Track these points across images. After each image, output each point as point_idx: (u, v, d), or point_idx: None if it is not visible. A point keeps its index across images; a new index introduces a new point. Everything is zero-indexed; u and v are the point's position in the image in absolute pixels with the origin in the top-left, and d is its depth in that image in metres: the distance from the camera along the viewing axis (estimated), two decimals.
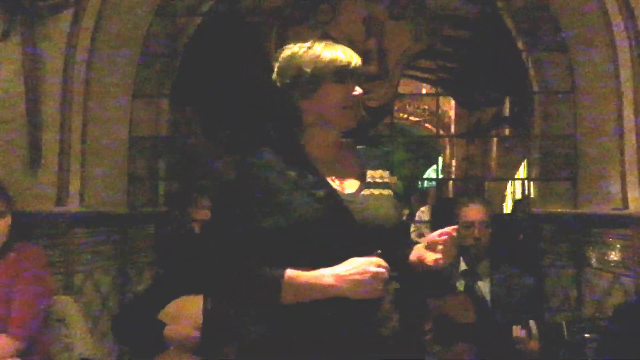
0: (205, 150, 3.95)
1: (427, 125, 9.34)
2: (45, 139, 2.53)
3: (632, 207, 2.52)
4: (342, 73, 1.25)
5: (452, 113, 8.34)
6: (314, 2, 3.25)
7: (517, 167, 6.77)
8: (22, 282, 1.96)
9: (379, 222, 1.24)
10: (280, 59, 1.30)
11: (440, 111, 7.55)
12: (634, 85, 2.51)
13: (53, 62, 2.55)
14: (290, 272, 1.16)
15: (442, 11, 3.18)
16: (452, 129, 8.37)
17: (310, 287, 1.15)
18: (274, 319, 1.19)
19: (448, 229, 1.24)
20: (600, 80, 2.75)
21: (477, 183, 6.81)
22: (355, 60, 1.28)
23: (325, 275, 1.15)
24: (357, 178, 1.30)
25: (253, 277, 1.18)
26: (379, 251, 1.19)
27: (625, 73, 2.54)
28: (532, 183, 3.35)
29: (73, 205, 2.56)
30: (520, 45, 3.19)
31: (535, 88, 3.20)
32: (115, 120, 2.94)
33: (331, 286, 1.14)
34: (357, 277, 1.14)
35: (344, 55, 1.27)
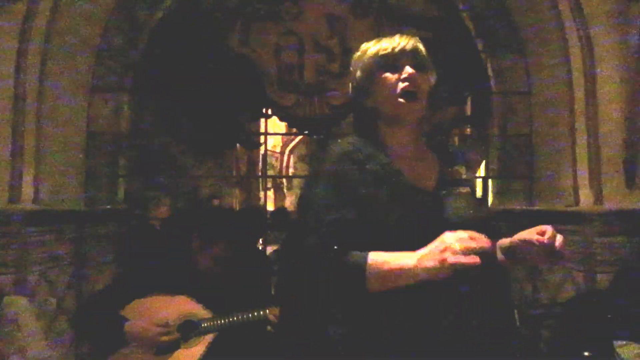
0: (167, 147, 3.89)
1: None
2: None
3: (583, 204, 2.62)
4: (387, 60, 1.24)
5: None
6: None
7: (477, 166, 6.93)
8: None
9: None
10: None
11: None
12: (585, 87, 2.62)
13: (5, 54, 2.45)
14: (373, 254, 1.12)
15: (405, 11, 3.22)
16: None
17: (394, 266, 1.10)
18: (358, 315, 1.14)
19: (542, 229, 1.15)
20: (554, 81, 2.85)
21: None
22: (400, 43, 1.25)
23: (409, 255, 1.10)
24: (436, 176, 1.28)
25: (339, 261, 1.12)
26: None
27: (577, 75, 2.64)
28: (490, 181, 3.44)
29: (26, 203, 2.48)
30: (480, 46, 3.27)
31: (494, 89, 3.29)
32: (72, 115, 2.85)
33: (414, 266, 1.07)
34: (437, 251, 1.06)
35: (388, 42, 1.26)
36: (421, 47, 1.29)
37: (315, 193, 1.19)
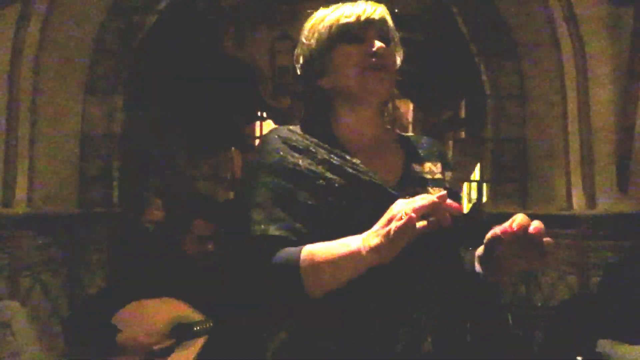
0: (161, 149, 3.88)
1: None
2: None
3: (576, 208, 2.64)
4: (349, 29, 1.02)
5: (410, 115, 8.47)
6: (273, 2, 3.25)
7: (472, 169, 6.96)
8: None
9: None
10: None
11: (398, 113, 7.64)
12: (578, 90, 2.64)
13: None
14: (310, 245, 0.91)
15: (399, 14, 3.23)
16: (410, 131, 8.52)
17: (335, 252, 0.88)
18: (298, 322, 0.95)
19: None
20: (546, 84, 2.87)
21: None
22: (366, 11, 1.04)
23: (351, 238, 0.88)
24: (399, 174, 1.04)
25: (269, 260, 0.92)
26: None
27: (570, 79, 2.66)
28: (484, 184, 3.46)
29: (20, 206, 2.47)
30: (473, 49, 3.29)
31: (488, 91, 3.30)
32: (66, 117, 2.84)
33: (358, 249, 0.85)
34: (383, 223, 0.84)
35: (352, 9, 1.04)
36: (389, 18, 1.08)
37: (248, 194, 0.99)
